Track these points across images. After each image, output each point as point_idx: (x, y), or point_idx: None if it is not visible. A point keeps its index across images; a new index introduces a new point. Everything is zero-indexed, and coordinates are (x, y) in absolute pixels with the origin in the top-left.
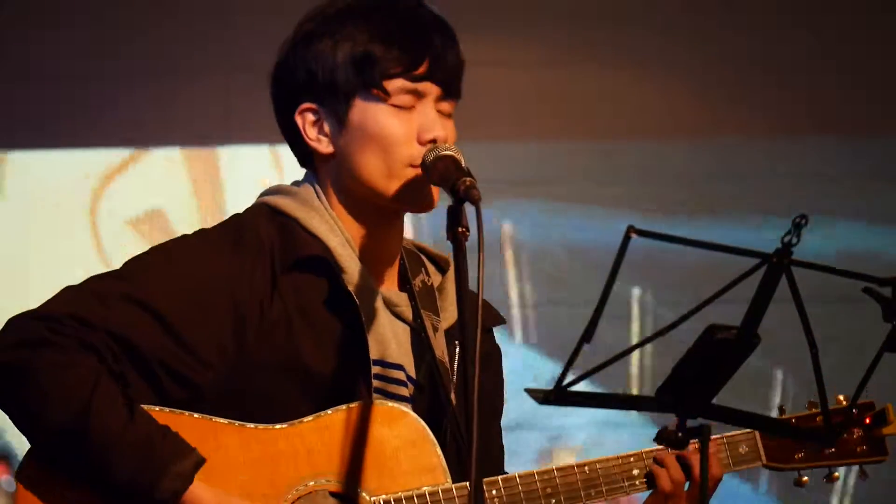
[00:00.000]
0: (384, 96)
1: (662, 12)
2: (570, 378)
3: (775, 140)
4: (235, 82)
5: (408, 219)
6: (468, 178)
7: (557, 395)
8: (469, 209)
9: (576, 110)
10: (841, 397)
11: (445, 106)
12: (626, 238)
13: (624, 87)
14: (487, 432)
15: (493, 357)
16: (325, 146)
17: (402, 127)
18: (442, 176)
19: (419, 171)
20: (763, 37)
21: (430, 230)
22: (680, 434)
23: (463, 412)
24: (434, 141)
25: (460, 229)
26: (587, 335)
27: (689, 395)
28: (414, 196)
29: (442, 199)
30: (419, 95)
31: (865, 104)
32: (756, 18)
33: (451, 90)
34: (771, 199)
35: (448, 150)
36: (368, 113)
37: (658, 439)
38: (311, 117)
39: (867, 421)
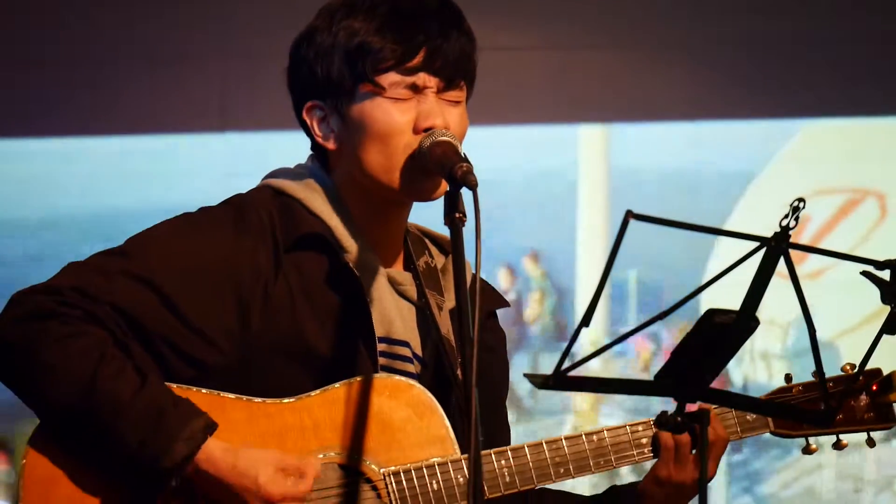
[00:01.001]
0: (379, 90)
1: None
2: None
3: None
4: (232, 69)
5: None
6: (465, 164)
7: (556, 380)
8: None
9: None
10: (847, 367)
11: (452, 94)
12: (625, 222)
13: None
14: (494, 415)
15: (497, 341)
16: (331, 143)
17: (399, 116)
18: (439, 161)
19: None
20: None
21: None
22: (679, 418)
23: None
24: (431, 129)
25: (458, 215)
26: (586, 319)
27: (688, 378)
28: (418, 185)
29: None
30: (417, 88)
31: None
32: None
33: (452, 80)
34: None
35: (444, 136)
36: (366, 107)
37: (657, 424)
38: (317, 114)
39: (874, 388)
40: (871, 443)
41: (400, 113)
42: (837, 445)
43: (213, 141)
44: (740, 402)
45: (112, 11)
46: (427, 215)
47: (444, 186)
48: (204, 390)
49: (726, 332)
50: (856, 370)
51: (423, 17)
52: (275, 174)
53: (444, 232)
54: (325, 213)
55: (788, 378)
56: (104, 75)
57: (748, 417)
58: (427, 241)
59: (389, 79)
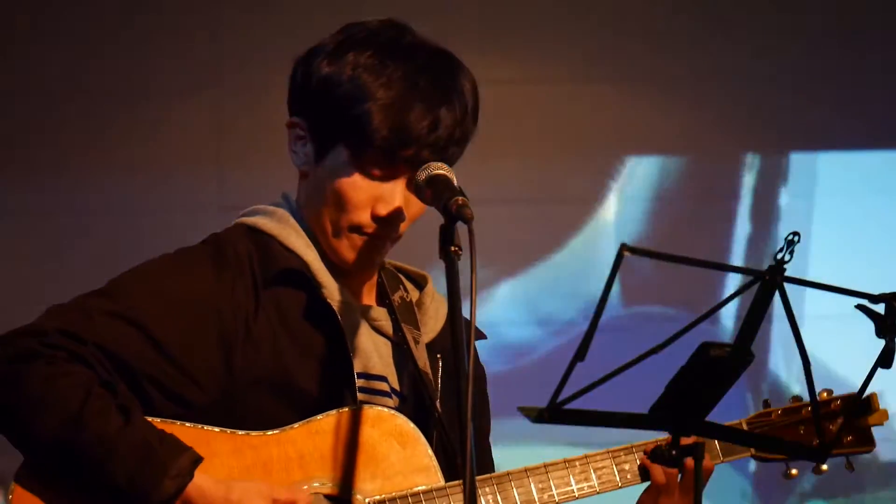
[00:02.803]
0: (357, 161)
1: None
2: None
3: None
4: (227, 105)
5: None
6: (460, 198)
7: (551, 413)
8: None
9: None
10: (824, 393)
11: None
12: (619, 256)
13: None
14: (478, 447)
15: (477, 374)
16: (300, 162)
17: (363, 194)
18: (434, 195)
19: (363, 238)
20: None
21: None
22: (674, 452)
23: (454, 421)
24: (389, 219)
25: (453, 248)
26: (581, 353)
27: (682, 412)
28: (346, 258)
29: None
30: (390, 177)
31: (865, 117)
32: (752, 33)
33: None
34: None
35: (440, 170)
36: (340, 167)
37: (652, 457)
38: (298, 132)
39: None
40: (849, 466)
41: (366, 189)
42: (817, 470)
43: (208, 175)
44: (735, 435)
45: (104, 46)
46: (411, 244)
47: (377, 259)
48: (188, 424)
49: (721, 365)
50: (851, 405)
51: (435, 104)
52: (248, 213)
53: (417, 266)
54: (299, 248)
55: (767, 403)
56: (97, 109)
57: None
58: (401, 276)
59: (373, 157)
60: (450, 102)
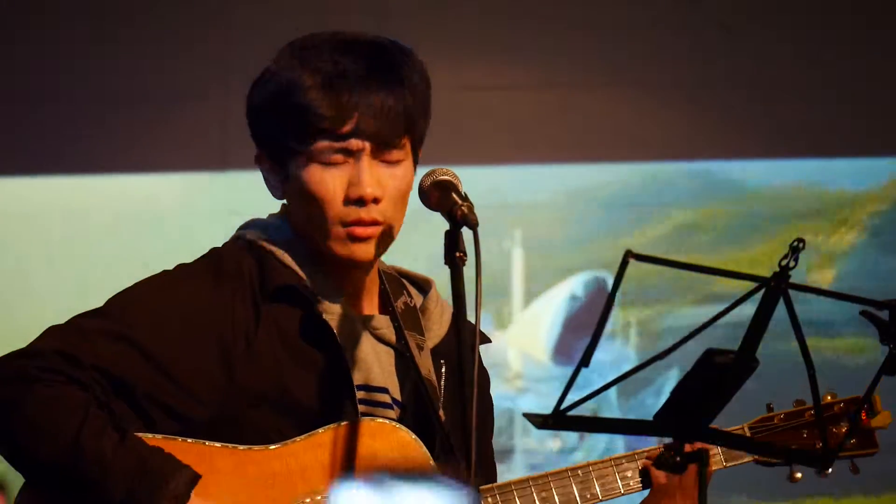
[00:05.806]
0: (312, 154)
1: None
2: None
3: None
4: (233, 107)
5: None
6: (466, 203)
7: (556, 420)
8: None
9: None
10: (829, 396)
11: (389, 155)
12: (624, 262)
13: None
14: (482, 453)
15: (482, 379)
16: (278, 193)
17: (330, 185)
18: (439, 201)
19: (350, 229)
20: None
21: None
22: (678, 458)
23: (458, 428)
24: (361, 199)
25: (458, 254)
26: (585, 359)
27: (687, 419)
28: (343, 254)
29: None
30: (349, 153)
31: (864, 123)
32: (753, 40)
33: (387, 143)
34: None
35: (445, 176)
36: (301, 170)
37: (656, 464)
38: (264, 164)
39: (864, 415)
40: (854, 469)
41: (331, 179)
42: (821, 473)
43: (215, 179)
44: (740, 442)
45: (113, 50)
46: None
47: (373, 254)
48: (189, 440)
49: (726, 372)
50: (855, 408)
51: (363, 75)
52: (248, 226)
53: (420, 270)
54: (296, 263)
55: (770, 407)
56: (105, 113)
57: None
58: (404, 281)
59: (321, 144)
60: (381, 70)
